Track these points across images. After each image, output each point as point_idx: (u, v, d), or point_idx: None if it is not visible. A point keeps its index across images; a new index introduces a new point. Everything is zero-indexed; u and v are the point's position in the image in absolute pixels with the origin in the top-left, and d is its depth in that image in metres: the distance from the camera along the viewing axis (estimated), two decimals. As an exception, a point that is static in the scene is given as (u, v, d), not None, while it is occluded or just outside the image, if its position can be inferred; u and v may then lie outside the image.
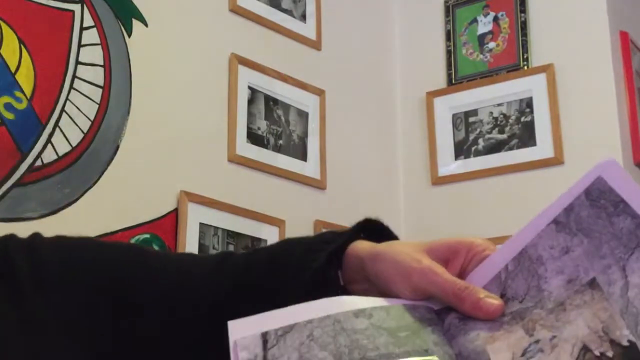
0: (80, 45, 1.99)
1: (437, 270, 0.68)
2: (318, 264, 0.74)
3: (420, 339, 0.66)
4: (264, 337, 0.64)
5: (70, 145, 1.92)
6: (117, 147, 2.00)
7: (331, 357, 0.63)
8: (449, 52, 2.75)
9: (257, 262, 0.81)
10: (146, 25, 2.13)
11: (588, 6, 2.55)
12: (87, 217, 1.91)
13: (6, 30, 1.85)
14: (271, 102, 2.39)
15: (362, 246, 0.76)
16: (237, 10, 2.37)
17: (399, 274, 0.70)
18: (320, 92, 2.53)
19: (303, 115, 2.48)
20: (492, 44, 2.69)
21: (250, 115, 2.32)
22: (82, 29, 2.00)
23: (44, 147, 1.87)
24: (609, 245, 0.62)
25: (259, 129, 2.34)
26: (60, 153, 1.90)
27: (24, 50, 1.87)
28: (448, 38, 2.77)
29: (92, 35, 2.01)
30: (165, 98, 2.14)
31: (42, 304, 0.76)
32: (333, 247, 0.76)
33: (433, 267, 0.68)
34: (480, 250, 0.70)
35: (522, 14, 2.64)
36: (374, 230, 0.80)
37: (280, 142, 2.39)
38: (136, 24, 2.11)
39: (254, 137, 2.32)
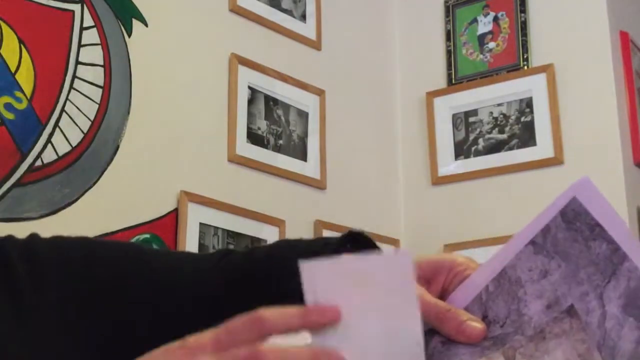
0: (80, 45, 1.99)
1: (419, 292, 0.66)
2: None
3: None
4: None
5: (70, 145, 1.92)
6: (117, 147, 2.00)
7: None
8: (449, 52, 2.75)
9: (255, 257, 0.81)
10: (146, 25, 2.13)
11: (588, 6, 2.55)
12: (87, 217, 1.91)
13: (6, 30, 1.85)
14: (271, 102, 2.39)
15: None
16: (237, 10, 2.37)
17: None
18: (320, 92, 2.53)
19: (303, 115, 2.48)
20: (492, 44, 2.69)
21: (250, 115, 2.32)
22: (82, 29, 2.00)
23: (44, 147, 1.87)
24: (586, 270, 0.61)
25: (259, 129, 2.34)
26: (60, 153, 1.90)
27: (24, 50, 1.87)
28: (448, 38, 2.77)
29: (92, 35, 2.01)
30: (165, 98, 2.14)
31: (39, 304, 0.76)
32: (333, 247, 0.76)
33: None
34: (461, 269, 0.70)
35: (522, 14, 2.64)
36: (360, 241, 0.80)
37: (280, 142, 2.39)
38: (136, 24, 2.11)
39: (254, 137, 2.32)
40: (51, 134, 1.89)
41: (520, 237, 0.65)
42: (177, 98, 2.17)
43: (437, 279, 0.71)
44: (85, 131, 1.95)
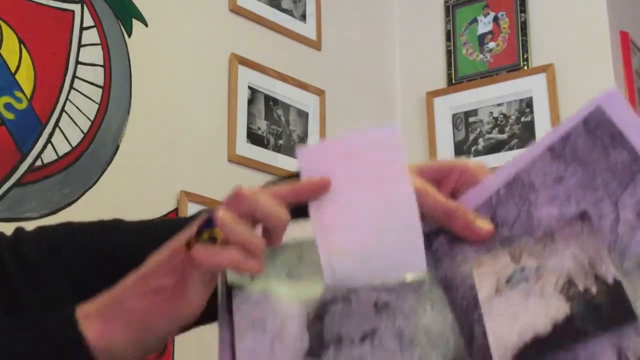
0: (80, 45, 1.99)
1: (429, 190, 0.67)
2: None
3: None
4: None
5: (70, 145, 1.92)
6: (117, 147, 2.00)
7: (320, 277, 0.63)
8: (449, 52, 2.75)
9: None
10: (146, 25, 2.13)
11: (588, 6, 2.55)
12: (87, 217, 1.90)
13: (6, 30, 1.85)
14: (271, 102, 2.39)
15: None
16: (237, 10, 2.37)
17: None
18: (320, 92, 2.53)
19: (303, 115, 2.48)
20: (492, 44, 2.69)
21: (250, 115, 2.32)
22: (82, 29, 2.00)
23: (44, 147, 1.87)
24: (603, 177, 0.60)
25: (259, 129, 2.34)
26: (60, 153, 1.90)
27: (24, 50, 1.87)
28: (448, 38, 2.77)
29: (92, 35, 2.01)
30: (165, 98, 2.14)
31: (31, 302, 0.76)
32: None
33: (424, 187, 0.67)
34: (473, 174, 0.69)
35: (522, 14, 2.64)
36: None
37: (280, 142, 2.39)
38: (136, 24, 2.11)
39: (254, 137, 2.32)
40: (51, 134, 1.89)
41: (539, 144, 0.64)
42: (177, 98, 2.17)
43: (447, 182, 0.70)
44: (85, 131, 1.95)
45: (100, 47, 2.03)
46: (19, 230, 0.84)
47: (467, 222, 0.65)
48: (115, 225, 0.85)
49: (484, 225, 0.65)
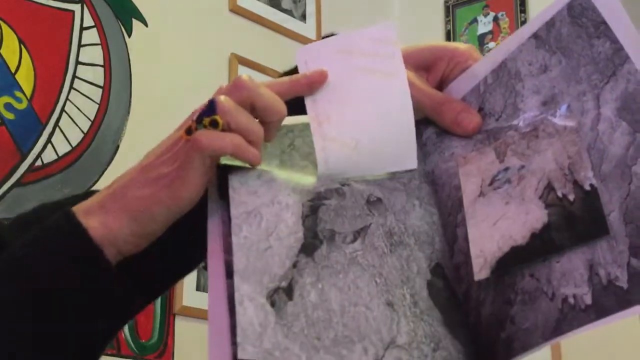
0: (80, 45, 1.99)
1: (416, 82, 0.66)
2: None
3: None
4: None
5: (70, 145, 1.92)
6: (117, 147, 2.00)
7: (312, 165, 0.63)
8: (449, 52, 2.76)
9: None
10: (146, 25, 2.13)
11: (588, 6, 2.55)
12: (87, 217, 1.91)
13: (6, 30, 1.85)
14: (271, 102, 2.39)
15: None
16: (237, 10, 2.37)
17: None
18: (320, 92, 2.53)
19: (303, 115, 2.48)
20: (492, 44, 2.69)
21: (250, 115, 2.32)
22: (82, 29, 2.00)
23: (44, 147, 1.87)
24: (586, 69, 0.58)
25: (259, 129, 2.34)
26: (60, 153, 1.90)
27: (24, 50, 1.87)
28: (448, 38, 2.77)
29: (92, 35, 2.01)
30: (165, 98, 2.14)
31: None
32: None
33: (412, 79, 0.66)
34: (463, 59, 0.68)
35: (522, 14, 2.64)
36: None
37: (280, 142, 2.39)
38: (136, 24, 2.11)
39: (254, 137, 2.32)
40: (51, 134, 1.89)
41: (524, 30, 0.63)
42: (177, 98, 2.17)
43: (436, 67, 0.69)
44: (85, 131, 1.95)
45: (100, 47, 2.03)
46: None
47: (454, 115, 0.65)
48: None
49: (472, 118, 0.65)
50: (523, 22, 2.63)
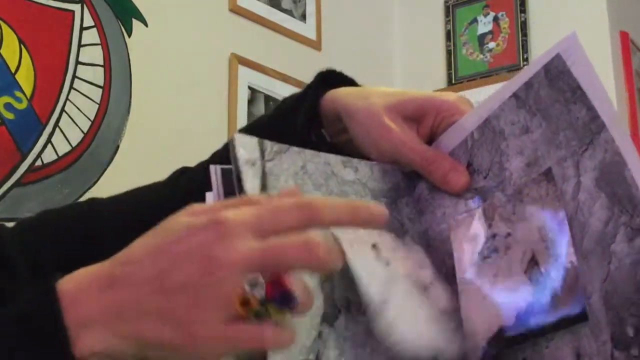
0: (80, 45, 1.99)
1: (406, 139, 0.67)
2: (299, 127, 0.72)
3: (397, 211, 0.66)
4: (262, 146, 0.63)
5: (70, 145, 1.92)
6: (117, 147, 2.00)
7: None
8: (449, 52, 2.75)
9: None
10: (146, 25, 2.13)
11: (588, 6, 2.55)
12: (87, 217, 1.91)
13: (6, 30, 1.85)
14: (271, 102, 2.39)
15: (337, 97, 0.74)
16: (237, 10, 2.37)
17: (371, 139, 0.69)
18: (320, 92, 2.53)
19: (303, 115, 2.48)
20: (492, 44, 2.69)
21: (250, 115, 2.32)
22: (82, 29, 2.00)
23: (44, 147, 1.87)
24: (565, 134, 0.58)
25: (259, 129, 2.34)
26: (60, 153, 1.90)
27: (24, 50, 1.87)
28: (448, 38, 2.77)
29: (92, 35, 2.01)
30: (165, 98, 2.14)
31: (8, 296, 0.76)
32: (306, 107, 0.74)
33: (402, 136, 0.67)
34: (449, 114, 0.69)
35: (522, 14, 2.64)
36: (334, 79, 0.79)
37: (280, 142, 2.39)
38: (136, 24, 2.11)
39: (254, 137, 2.32)
40: (51, 134, 1.89)
41: (505, 89, 0.63)
42: (177, 98, 2.17)
43: (425, 120, 0.69)
44: (85, 131, 1.95)
45: (100, 47, 2.03)
46: (0, 228, 0.83)
47: (443, 174, 0.66)
48: (92, 212, 0.82)
49: (460, 177, 0.65)
50: (523, 22, 2.63)
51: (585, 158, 0.56)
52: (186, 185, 0.78)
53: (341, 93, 0.75)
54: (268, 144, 0.63)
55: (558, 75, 0.58)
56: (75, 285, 0.51)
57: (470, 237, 0.63)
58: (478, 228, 0.62)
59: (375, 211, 0.52)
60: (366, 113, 0.70)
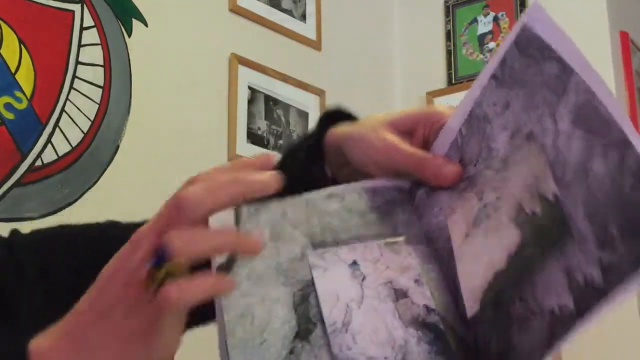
0: (80, 45, 1.99)
1: (399, 146, 0.69)
2: (300, 161, 0.75)
3: (390, 220, 0.67)
4: (237, 212, 0.65)
5: (70, 145, 1.92)
6: (117, 147, 2.00)
7: (303, 237, 0.64)
8: (449, 52, 2.75)
9: None
10: (146, 25, 2.13)
11: (588, 6, 2.55)
12: (87, 217, 1.90)
13: (6, 30, 1.85)
14: (271, 102, 2.39)
15: (337, 131, 0.77)
16: (237, 10, 2.37)
17: (367, 154, 0.71)
18: (320, 92, 2.53)
19: (303, 116, 2.48)
20: (492, 44, 2.69)
21: (250, 115, 2.32)
22: (82, 29, 2.00)
23: (44, 147, 1.87)
24: (541, 94, 0.60)
25: (259, 129, 2.34)
26: (60, 153, 1.90)
27: (24, 50, 1.87)
28: (448, 38, 2.77)
29: (92, 35, 2.01)
30: (165, 98, 2.14)
31: (22, 304, 0.76)
32: (311, 141, 0.77)
33: (395, 143, 0.69)
34: (438, 119, 0.70)
35: (522, 14, 2.64)
36: (341, 116, 0.81)
37: (280, 142, 2.39)
38: (136, 24, 2.11)
39: (254, 137, 2.32)
40: (51, 134, 1.89)
41: (483, 74, 0.66)
42: (177, 98, 2.17)
43: (417, 132, 0.71)
44: (85, 131, 1.95)
45: (100, 47, 2.03)
46: (14, 234, 0.84)
47: (435, 170, 0.67)
48: (110, 233, 0.84)
49: (451, 168, 0.66)
50: (523, 22, 2.63)
51: (560, 107, 0.58)
52: None
53: (342, 126, 0.78)
54: (244, 210, 0.65)
55: (527, 44, 0.62)
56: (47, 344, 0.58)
57: (464, 216, 0.64)
58: (471, 205, 0.64)
59: (263, 178, 0.57)
60: (362, 131, 0.72)
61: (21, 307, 0.76)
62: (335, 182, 0.74)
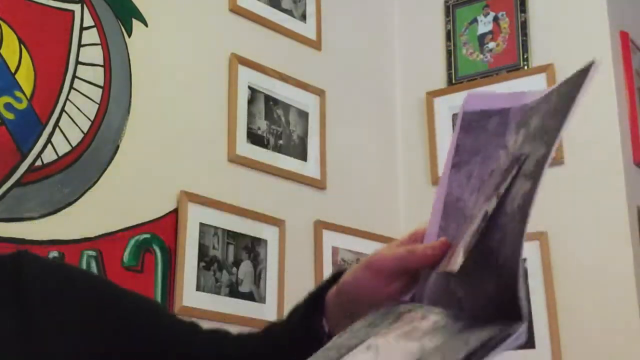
0: (80, 45, 1.99)
1: (386, 255, 0.79)
2: (299, 314, 0.84)
3: (400, 306, 0.74)
4: None
5: (70, 145, 1.92)
6: (117, 147, 2.00)
7: None
8: (449, 52, 2.75)
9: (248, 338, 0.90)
10: (146, 25, 2.13)
11: (588, 6, 2.55)
12: (87, 217, 1.91)
13: (6, 30, 1.85)
14: (271, 102, 2.39)
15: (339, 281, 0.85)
16: (237, 10, 2.37)
17: (369, 274, 0.79)
18: (320, 92, 2.53)
19: (303, 115, 2.48)
20: (492, 44, 2.69)
21: (250, 115, 2.32)
22: (82, 29, 2.00)
23: (44, 147, 1.87)
24: (491, 143, 0.71)
25: (259, 129, 2.34)
26: (60, 153, 1.90)
27: (24, 50, 1.87)
28: (448, 38, 2.77)
29: (92, 35, 2.01)
30: (165, 98, 2.14)
31: (48, 323, 0.77)
32: (312, 296, 0.85)
33: (389, 251, 0.79)
34: (410, 244, 0.80)
35: (522, 14, 2.64)
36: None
37: (280, 142, 2.39)
38: (136, 24, 2.11)
39: (254, 137, 2.32)
40: (51, 134, 1.89)
41: (445, 167, 0.77)
42: (177, 98, 2.17)
43: (406, 271, 0.79)
44: (85, 131, 1.95)
45: (100, 47, 2.03)
46: (34, 259, 0.86)
47: (420, 254, 0.77)
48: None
49: (431, 245, 0.76)
50: (523, 22, 2.63)
51: (507, 137, 0.70)
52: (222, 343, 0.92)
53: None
54: None
55: (470, 122, 0.74)
56: None
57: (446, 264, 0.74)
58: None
59: None
60: (362, 261, 0.82)
61: (46, 326, 0.78)
62: (330, 336, 0.80)
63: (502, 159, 0.69)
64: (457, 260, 0.67)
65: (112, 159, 1.99)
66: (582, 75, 0.72)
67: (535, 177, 0.62)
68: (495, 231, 0.63)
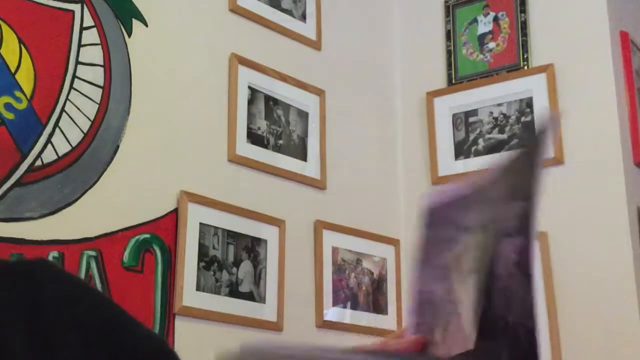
0: (80, 45, 1.99)
1: (363, 346, 0.79)
2: None
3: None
4: None
5: (70, 145, 1.92)
6: (117, 147, 2.00)
7: None
8: (449, 52, 2.75)
9: None
10: (146, 25, 2.13)
11: (588, 6, 2.55)
12: (87, 217, 1.91)
13: (6, 30, 1.85)
14: (271, 102, 2.39)
15: None
16: (237, 10, 2.37)
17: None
18: (320, 92, 2.53)
19: (303, 115, 2.48)
20: (492, 44, 2.69)
21: (250, 115, 2.32)
22: (82, 29, 2.00)
23: (44, 147, 1.87)
24: (451, 229, 0.74)
25: (259, 129, 2.34)
26: (60, 153, 1.90)
27: (24, 50, 1.87)
28: (448, 38, 2.77)
29: (92, 35, 2.01)
30: (165, 98, 2.14)
31: (64, 337, 0.77)
32: None
33: (379, 347, 0.79)
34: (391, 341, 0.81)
35: (522, 14, 2.64)
36: None
37: (280, 142, 2.39)
38: (136, 24, 2.11)
39: (254, 137, 2.32)
40: (51, 134, 1.89)
41: (414, 265, 0.78)
42: (177, 98, 2.17)
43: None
44: (85, 131, 1.95)
45: (100, 47, 2.03)
46: (60, 271, 0.85)
47: (395, 343, 0.78)
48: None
49: (407, 340, 0.77)
50: (523, 22, 2.63)
51: (460, 220, 0.74)
52: None
53: None
54: None
55: (431, 219, 0.77)
56: None
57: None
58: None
59: None
60: None
61: (62, 341, 0.77)
62: None
63: (467, 239, 0.71)
64: (470, 337, 0.68)
65: (112, 159, 1.99)
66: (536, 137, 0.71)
67: (524, 230, 0.63)
68: (496, 297, 0.65)
